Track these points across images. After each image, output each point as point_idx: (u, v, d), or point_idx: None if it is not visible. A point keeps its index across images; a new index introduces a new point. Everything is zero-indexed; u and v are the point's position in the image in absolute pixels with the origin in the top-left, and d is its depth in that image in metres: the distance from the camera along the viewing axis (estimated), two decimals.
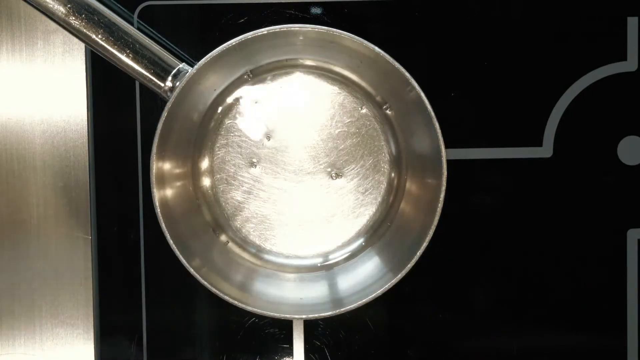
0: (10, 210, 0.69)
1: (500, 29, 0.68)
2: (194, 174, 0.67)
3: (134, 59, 0.62)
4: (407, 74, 0.61)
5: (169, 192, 0.64)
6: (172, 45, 0.67)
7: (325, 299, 0.65)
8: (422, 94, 0.61)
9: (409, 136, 0.66)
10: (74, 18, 0.61)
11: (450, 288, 0.69)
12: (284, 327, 0.69)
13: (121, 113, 0.68)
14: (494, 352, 0.70)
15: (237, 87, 0.67)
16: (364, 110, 0.67)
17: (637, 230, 0.69)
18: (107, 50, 0.62)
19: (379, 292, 0.62)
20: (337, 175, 0.67)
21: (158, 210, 0.62)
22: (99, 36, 0.62)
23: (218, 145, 0.67)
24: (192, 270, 0.62)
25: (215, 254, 0.67)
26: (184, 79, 0.61)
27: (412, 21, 0.68)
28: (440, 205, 0.62)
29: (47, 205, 0.69)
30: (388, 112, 0.67)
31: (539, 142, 0.69)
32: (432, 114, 0.61)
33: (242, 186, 0.67)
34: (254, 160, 0.67)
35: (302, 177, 0.67)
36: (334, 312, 0.62)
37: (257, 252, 0.68)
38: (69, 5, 0.61)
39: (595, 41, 0.68)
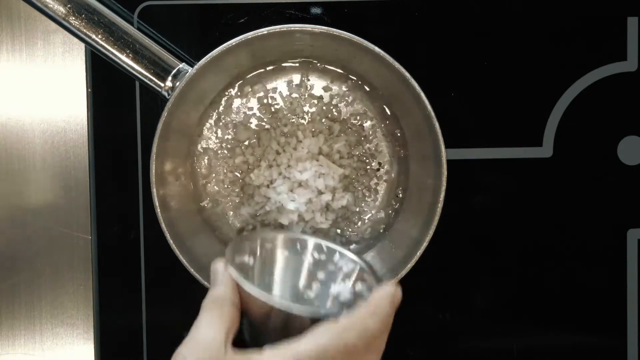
0: (9, 210, 0.69)
1: (500, 29, 0.68)
2: (194, 174, 0.67)
3: (134, 59, 0.62)
4: (407, 74, 0.61)
5: (169, 192, 0.64)
6: (172, 45, 0.67)
7: None
8: (422, 94, 0.61)
9: (409, 136, 0.66)
10: (74, 18, 0.61)
11: (450, 288, 0.69)
12: None
13: (121, 113, 0.68)
14: (494, 352, 0.70)
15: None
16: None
17: (637, 230, 0.69)
18: (107, 50, 0.62)
19: None
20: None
21: (158, 210, 0.62)
22: (99, 36, 0.62)
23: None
24: (192, 270, 0.62)
25: (216, 254, 0.67)
26: (184, 79, 0.61)
27: (412, 21, 0.68)
28: (440, 205, 0.62)
29: (47, 205, 0.69)
30: (388, 112, 0.67)
31: (539, 142, 0.69)
32: (432, 114, 0.61)
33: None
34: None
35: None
36: None
37: None
38: (69, 5, 0.61)
39: (595, 41, 0.68)
